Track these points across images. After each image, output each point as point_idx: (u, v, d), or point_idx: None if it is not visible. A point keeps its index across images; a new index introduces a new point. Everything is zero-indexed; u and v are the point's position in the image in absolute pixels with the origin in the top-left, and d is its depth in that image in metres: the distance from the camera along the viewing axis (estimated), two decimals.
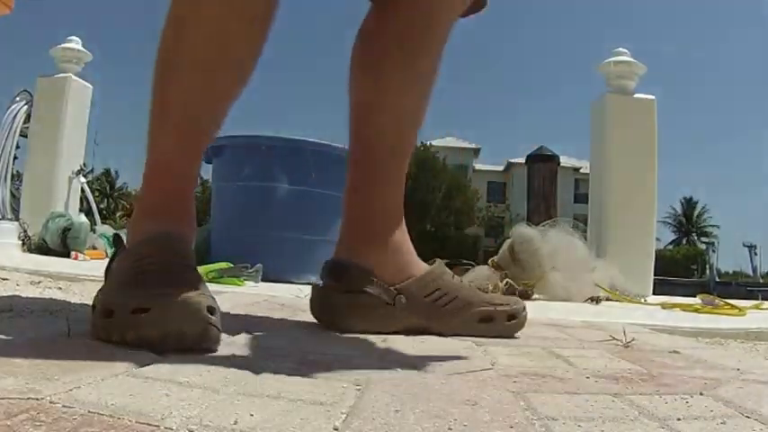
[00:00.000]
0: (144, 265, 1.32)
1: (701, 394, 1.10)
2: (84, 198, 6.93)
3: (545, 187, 7.20)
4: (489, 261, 4.62)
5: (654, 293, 5.49)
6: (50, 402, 0.81)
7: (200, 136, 1.59)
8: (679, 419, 0.92)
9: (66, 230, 5.51)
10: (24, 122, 6.63)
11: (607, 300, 4.18)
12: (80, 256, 5.18)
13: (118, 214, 49.30)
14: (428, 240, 42.44)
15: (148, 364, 1.08)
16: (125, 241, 1.53)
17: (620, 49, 6.07)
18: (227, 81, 1.54)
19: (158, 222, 1.44)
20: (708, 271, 45.41)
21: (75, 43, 6.69)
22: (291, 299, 2.71)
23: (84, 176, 6.87)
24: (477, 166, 58.62)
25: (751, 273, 56.98)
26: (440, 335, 1.66)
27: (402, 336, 1.65)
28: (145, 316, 1.17)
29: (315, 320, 1.75)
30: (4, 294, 2.31)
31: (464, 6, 1.79)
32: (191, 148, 1.57)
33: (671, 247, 63.88)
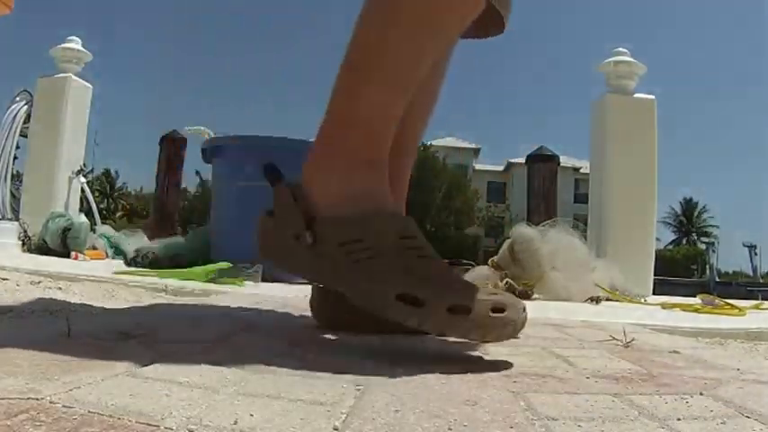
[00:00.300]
0: (417, 250, 1.32)
1: (700, 394, 1.10)
2: (84, 198, 6.94)
3: (545, 187, 7.20)
4: (489, 261, 4.63)
5: (654, 293, 5.50)
6: (50, 402, 0.81)
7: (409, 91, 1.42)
8: (679, 419, 0.92)
9: (66, 230, 5.52)
10: (24, 122, 6.63)
11: (607, 300, 4.19)
12: (80, 256, 5.18)
13: (118, 214, 49.39)
14: (428, 240, 42.47)
15: (148, 364, 1.08)
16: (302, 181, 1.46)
17: (620, 48, 6.08)
18: (441, 42, 1.45)
19: (383, 189, 1.40)
20: (708, 271, 45.43)
21: (75, 43, 6.70)
22: (291, 299, 2.71)
23: (84, 176, 6.87)
24: (477, 166, 58.61)
25: (751, 273, 57.00)
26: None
27: (402, 336, 1.65)
28: (503, 316, 1.23)
29: (315, 321, 1.75)
30: (5, 294, 2.31)
31: None
32: (403, 101, 1.42)
33: (671, 247, 63.87)
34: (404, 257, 1.30)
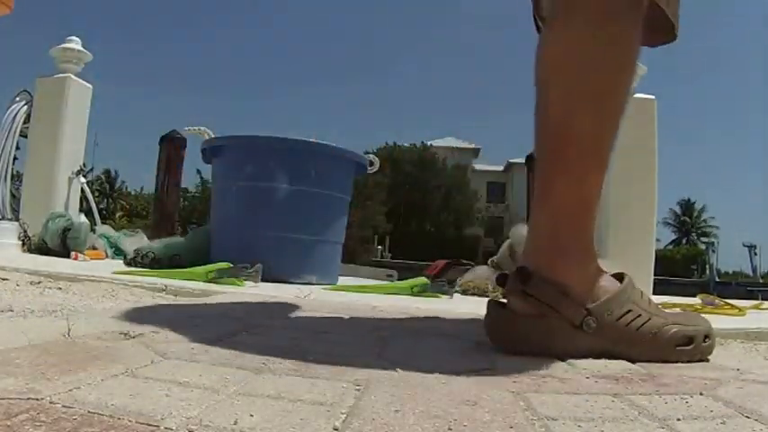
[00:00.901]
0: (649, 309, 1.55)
1: (700, 394, 1.10)
2: (83, 198, 6.92)
3: None
4: (489, 261, 4.63)
5: (654, 293, 5.49)
6: (50, 402, 0.81)
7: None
8: (679, 419, 0.92)
9: (66, 230, 5.51)
10: (24, 123, 6.62)
11: None
12: (80, 256, 5.17)
13: (117, 214, 49.35)
14: (428, 240, 42.50)
15: (148, 365, 1.08)
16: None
17: None
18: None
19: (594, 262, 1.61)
20: (707, 271, 45.42)
21: (74, 43, 6.69)
22: (291, 299, 2.71)
23: (84, 176, 6.86)
24: (477, 167, 58.58)
25: (751, 273, 56.99)
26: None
27: (401, 336, 1.65)
28: (709, 342, 1.57)
29: (311, 318, 1.75)
30: (5, 294, 2.31)
31: None
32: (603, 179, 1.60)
33: (671, 247, 63.86)
34: (658, 310, 1.57)
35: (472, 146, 59.87)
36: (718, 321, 2.90)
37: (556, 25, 1.61)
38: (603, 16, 1.52)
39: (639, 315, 1.51)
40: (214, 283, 3.33)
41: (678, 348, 1.50)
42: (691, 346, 1.51)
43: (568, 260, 1.53)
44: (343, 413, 0.86)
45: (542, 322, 1.46)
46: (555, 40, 1.60)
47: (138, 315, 1.78)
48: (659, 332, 1.50)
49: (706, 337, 1.55)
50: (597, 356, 1.44)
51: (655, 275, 5.80)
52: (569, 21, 1.57)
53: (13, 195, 6.55)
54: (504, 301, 1.56)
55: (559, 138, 1.56)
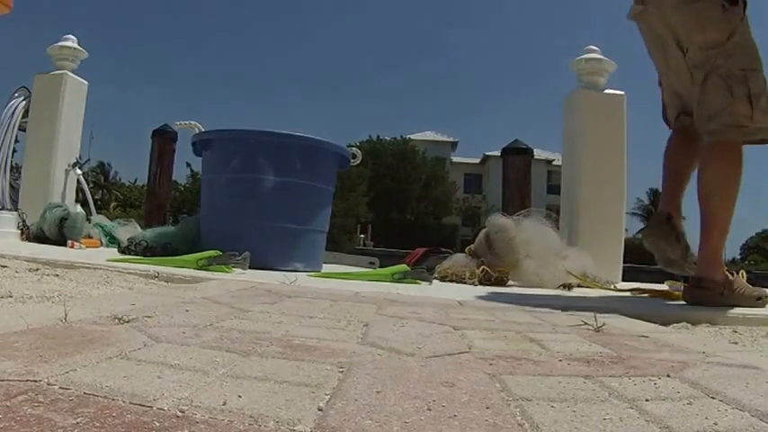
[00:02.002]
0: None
1: (668, 376, 1.10)
2: (79, 189, 6.90)
3: (519, 179, 7.20)
4: (466, 249, 4.63)
5: (624, 280, 5.51)
6: (48, 384, 0.81)
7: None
8: (647, 400, 0.93)
9: (63, 220, 5.49)
10: (23, 117, 6.59)
11: (578, 286, 4.19)
12: (76, 244, 5.15)
13: (112, 205, 49.14)
14: (408, 229, 42.51)
15: (141, 348, 1.08)
16: None
17: (591, 46, 6.07)
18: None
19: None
20: None
21: (71, 42, 6.66)
22: (277, 285, 2.71)
23: (80, 169, 6.84)
24: (455, 159, 58.58)
25: None
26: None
27: (382, 321, 1.65)
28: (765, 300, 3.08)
29: (297, 303, 1.74)
30: (4, 281, 2.30)
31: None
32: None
33: (640, 236, 64.03)
34: (747, 285, 3.13)
35: (450, 139, 59.85)
36: (685, 307, 2.92)
37: (709, 165, 3.13)
38: (734, 165, 3.08)
39: (742, 288, 3.04)
40: (204, 270, 3.33)
41: (758, 300, 3.00)
42: (760, 300, 3.02)
43: (717, 268, 3.07)
44: (327, 394, 0.86)
45: (709, 293, 2.99)
46: (711, 173, 3.11)
47: (132, 301, 1.77)
48: (750, 295, 3.04)
49: (763, 297, 3.05)
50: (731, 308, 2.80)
51: (625, 263, 5.82)
52: (717, 164, 3.11)
53: (12, 186, 6.52)
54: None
55: (712, 215, 3.11)
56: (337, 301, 2.20)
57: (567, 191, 6.04)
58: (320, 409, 0.79)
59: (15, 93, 6.70)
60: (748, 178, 3.12)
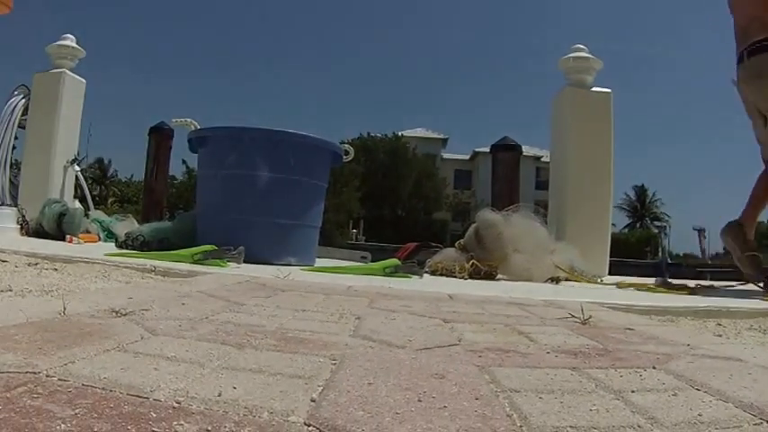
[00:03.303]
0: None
1: (653, 368, 1.11)
2: (78, 185, 6.89)
3: (508, 175, 7.21)
4: (456, 244, 4.64)
5: (610, 274, 5.53)
6: (47, 376, 0.81)
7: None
8: (633, 391, 0.93)
9: (61, 215, 5.49)
10: (22, 115, 6.58)
11: (566, 280, 4.20)
12: (74, 239, 5.15)
13: (109, 200, 49.00)
14: (399, 224, 42.52)
15: (138, 340, 1.08)
16: None
17: (579, 45, 6.08)
18: None
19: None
20: (660, 253, 45.63)
21: (69, 41, 6.65)
22: (271, 279, 2.71)
23: (78, 165, 6.83)
24: (446, 155, 58.53)
25: (700, 255, 57.27)
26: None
27: (374, 314, 1.66)
28: None
29: (291, 297, 1.74)
30: (4, 275, 2.30)
31: None
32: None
33: (626, 230, 64.10)
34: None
35: (441, 136, 59.82)
36: (669, 300, 2.93)
37: None
38: None
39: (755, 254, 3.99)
40: (200, 264, 3.33)
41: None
42: None
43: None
44: (319, 386, 0.86)
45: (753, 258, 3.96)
46: None
47: (129, 294, 1.77)
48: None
49: None
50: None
51: (611, 257, 5.84)
52: None
53: (12, 183, 6.52)
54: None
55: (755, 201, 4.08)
56: (330, 294, 2.20)
57: (555, 187, 6.05)
58: (313, 401, 0.79)
59: (15, 91, 6.70)
60: None
